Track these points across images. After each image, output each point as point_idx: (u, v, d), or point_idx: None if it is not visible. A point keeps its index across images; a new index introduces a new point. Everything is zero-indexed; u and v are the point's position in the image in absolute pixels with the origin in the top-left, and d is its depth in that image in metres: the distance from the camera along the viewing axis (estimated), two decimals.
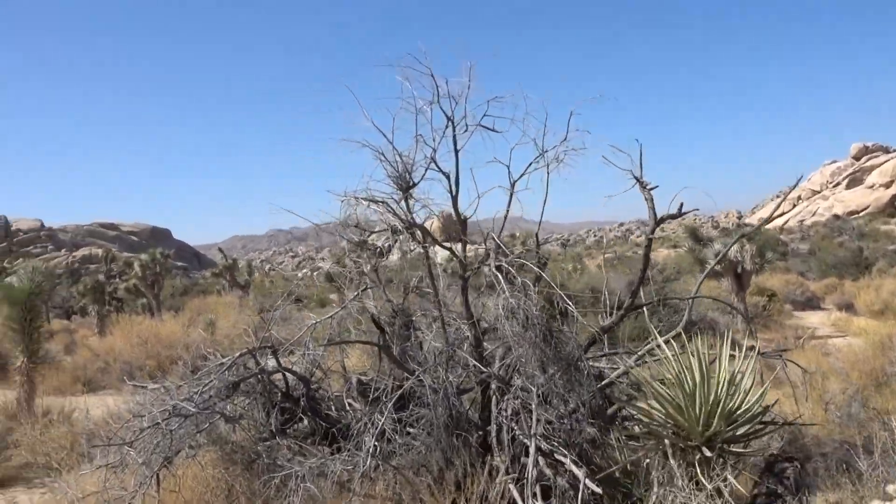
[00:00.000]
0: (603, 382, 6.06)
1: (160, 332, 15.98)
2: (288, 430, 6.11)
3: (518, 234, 40.81)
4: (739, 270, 21.53)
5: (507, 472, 5.32)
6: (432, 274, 6.03)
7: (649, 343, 6.11)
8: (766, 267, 24.00)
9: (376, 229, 5.89)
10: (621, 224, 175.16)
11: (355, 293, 6.53)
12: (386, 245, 6.06)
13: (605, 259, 70.78)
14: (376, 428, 5.25)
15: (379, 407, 6.80)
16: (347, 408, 7.05)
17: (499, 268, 5.33)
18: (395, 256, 5.95)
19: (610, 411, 6.23)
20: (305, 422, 6.45)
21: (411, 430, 5.69)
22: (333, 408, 6.95)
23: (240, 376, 5.71)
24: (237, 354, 5.84)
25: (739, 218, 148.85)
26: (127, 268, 36.94)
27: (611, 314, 6.56)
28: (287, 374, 6.21)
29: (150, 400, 6.49)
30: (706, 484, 4.85)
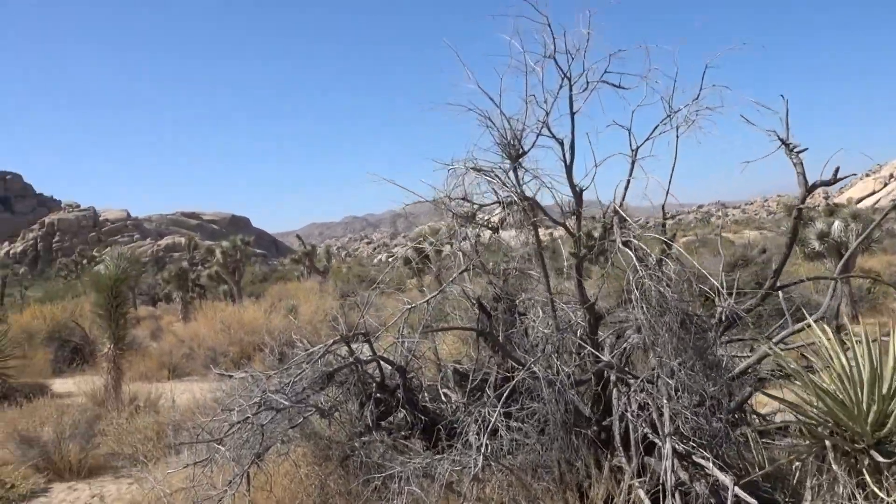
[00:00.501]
0: (736, 370, 5.31)
1: (243, 318, 15.87)
2: (383, 424, 5.59)
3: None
4: (844, 251, 20.14)
5: (635, 476, 4.66)
6: (541, 253, 5.39)
7: (791, 327, 5.33)
8: (872, 247, 22.51)
9: (486, 202, 5.26)
10: (700, 206, 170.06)
11: (456, 274, 5.95)
12: (495, 220, 5.43)
13: (686, 243, 68.57)
14: (487, 424, 4.65)
15: (482, 399, 6.24)
16: (443, 399, 6.52)
17: (626, 244, 4.64)
18: (509, 233, 5.30)
19: (733, 404, 5.48)
20: (401, 414, 5.94)
21: (518, 425, 5.09)
22: (428, 399, 6.43)
23: (333, 366, 5.21)
24: (330, 342, 5.34)
25: (826, 198, 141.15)
26: (209, 255, 37.56)
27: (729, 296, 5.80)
28: (382, 363, 5.69)
29: (237, 390, 6.10)
30: (882, 495, 4.08)
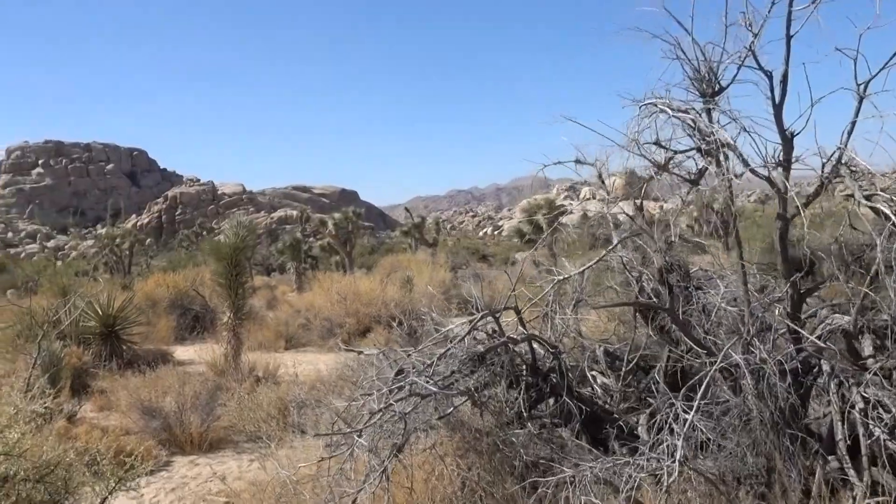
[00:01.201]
0: None
1: (359, 288, 15.49)
2: (533, 412, 4.82)
3: None
4: None
5: (868, 494, 3.69)
6: (733, 212, 4.42)
7: None
8: None
9: (682, 149, 4.32)
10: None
11: (618, 241, 5.07)
12: (695, 171, 4.48)
13: (812, 215, 64.14)
14: (683, 423, 3.77)
15: (645, 387, 5.37)
16: (591, 383, 5.68)
17: (869, 197, 3.62)
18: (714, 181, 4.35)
19: None
20: (551, 402, 5.14)
21: (710, 423, 4.18)
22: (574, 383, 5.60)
23: (485, 345, 4.46)
24: (478, 317, 4.59)
25: None
26: (321, 227, 37.94)
27: None
28: (535, 343, 4.90)
29: (367, 367, 5.47)
30: None
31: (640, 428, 4.64)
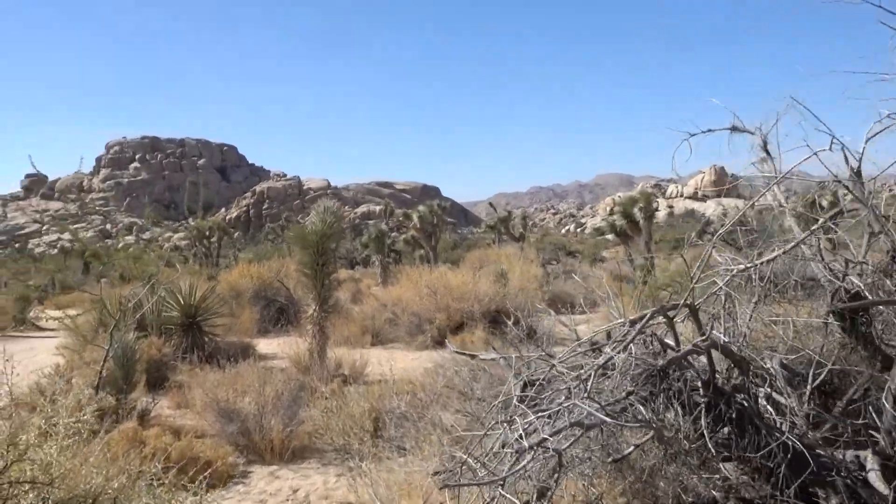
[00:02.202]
0: None
1: (450, 282, 14.45)
2: (721, 449, 3.59)
3: None
4: None
5: None
6: None
7: None
8: None
9: None
10: None
11: (829, 215, 3.80)
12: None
13: None
14: None
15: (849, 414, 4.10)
16: (767, 406, 4.40)
17: None
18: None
19: None
20: (726, 429, 3.91)
21: None
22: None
23: (663, 358, 3.28)
24: (647, 315, 3.40)
25: None
26: (406, 220, 37.22)
27: None
28: (713, 353, 3.68)
29: (486, 377, 4.38)
30: None
31: (870, 474, 3.37)
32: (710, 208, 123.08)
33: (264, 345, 14.58)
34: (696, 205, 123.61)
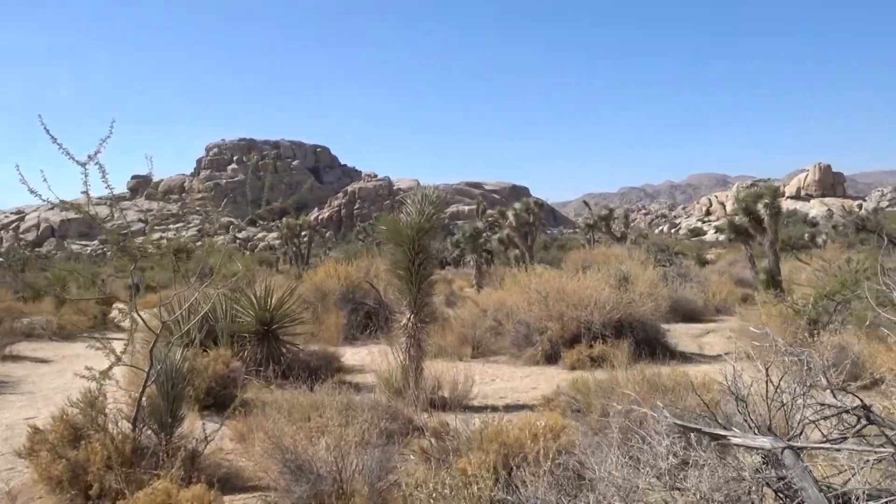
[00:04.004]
0: None
1: (565, 286, 12.35)
2: None
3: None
4: None
5: None
6: None
7: None
8: None
9: None
10: None
11: None
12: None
13: None
14: None
15: None
16: None
17: None
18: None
19: None
20: None
21: None
22: None
23: None
24: None
25: None
26: (501, 218, 35.18)
27: None
28: None
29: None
30: None
31: None
32: (814, 208, 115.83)
33: (351, 354, 12.90)
34: (798, 204, 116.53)
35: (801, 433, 3.15)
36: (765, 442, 2.41)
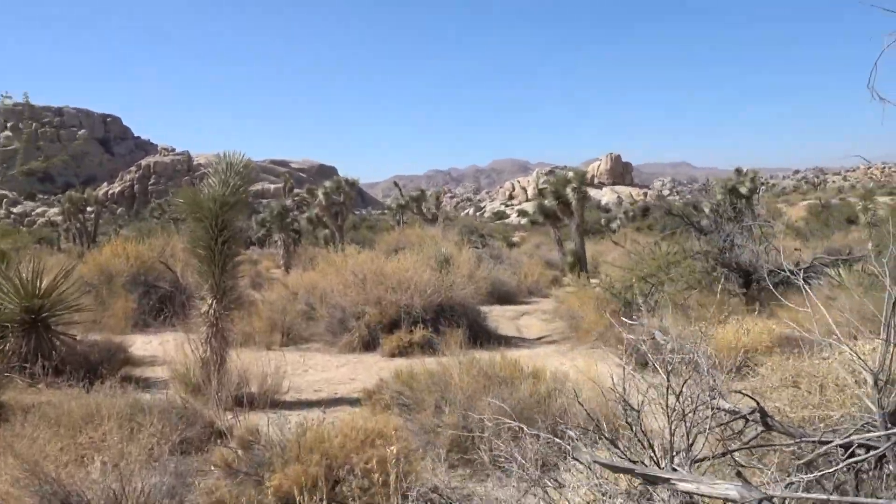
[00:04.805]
0: None
1: (384, 269, 11.66)
2: None
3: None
4: None
5: None
6: None
7: None
8: None
9: None
10: (796, 172, 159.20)
11: None
12: None
13: (810, 207, 61.63)
14: None
15: None
16: None
17: None
18: None
19: None
20: None
21: None
22: None
23: None
24: None
25: None
26: (310, 197, 33.79)
27: None
28: None
29: None
30: None
31: None
32: (605, 195, 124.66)
33: (141, 344, 11.40)
34: (592, 191, 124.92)
35: (692, 444, 2.68)
36: (730, 490, 1.86)
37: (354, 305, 11.43)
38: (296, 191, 67.54)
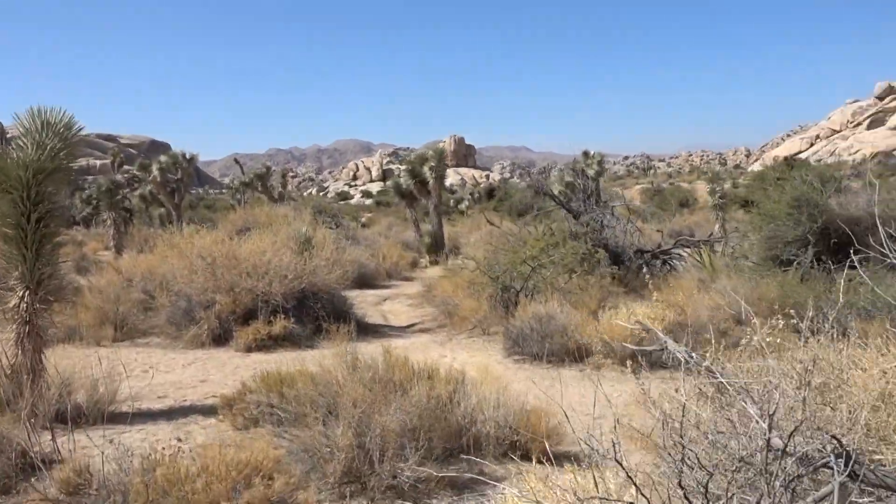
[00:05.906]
0: None
1: (237, 251, 10.31)
2: None
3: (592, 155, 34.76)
4: None
5: None
6: None
7: None
8: None
9: None
10: (626, 157, 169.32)
11: None
12: None
13: (643, 190, 65.41)
14: None
15: None
16: None
17: None
18: None
19: None
20: None
21: None
22: None
23: None
24: None
25: (748, 156, 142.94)
26: (143, 172, 30.81)
27: None
28: None
29: None
30: None
31: None
32: (449, 177, 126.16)
33: None
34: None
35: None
36: None
37: (202, 293, 10.02)
38: (126, 167, 62.38)
